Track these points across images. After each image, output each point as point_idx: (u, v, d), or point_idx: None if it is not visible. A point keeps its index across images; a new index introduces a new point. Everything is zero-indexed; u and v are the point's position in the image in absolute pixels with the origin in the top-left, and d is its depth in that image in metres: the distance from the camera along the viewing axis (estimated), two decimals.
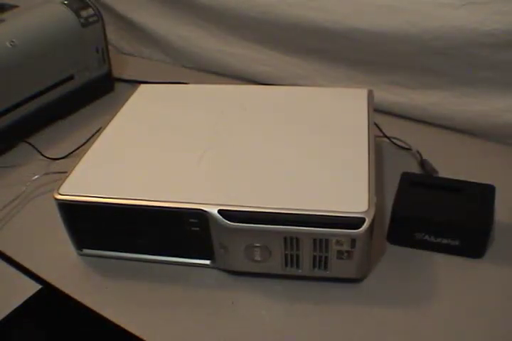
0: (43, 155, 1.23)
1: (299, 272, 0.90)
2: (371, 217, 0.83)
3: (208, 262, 0.95)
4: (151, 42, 1.68)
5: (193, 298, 0.91)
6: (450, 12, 1.17)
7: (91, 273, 0.97)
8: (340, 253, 0.86)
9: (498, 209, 1.00)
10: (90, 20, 1.39)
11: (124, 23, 1.70)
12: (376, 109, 1.17)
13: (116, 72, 1.56)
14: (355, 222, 0.82)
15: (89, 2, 1.40)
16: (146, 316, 0.89)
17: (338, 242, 0.84)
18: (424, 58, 1.25)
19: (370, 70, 1.35)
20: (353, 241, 0.84)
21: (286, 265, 0.89)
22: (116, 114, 1.10)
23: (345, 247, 0.85)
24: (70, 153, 1.22)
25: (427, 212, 0.96)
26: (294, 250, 0.86)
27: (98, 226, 0.95)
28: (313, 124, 1.04)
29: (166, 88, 1.22)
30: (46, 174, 1.16)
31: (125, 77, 1.57)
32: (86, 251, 0.99)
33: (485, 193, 1.00)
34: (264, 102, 1.12)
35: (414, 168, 1.18)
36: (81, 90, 1.43)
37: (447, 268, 0.95)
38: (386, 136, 1.23)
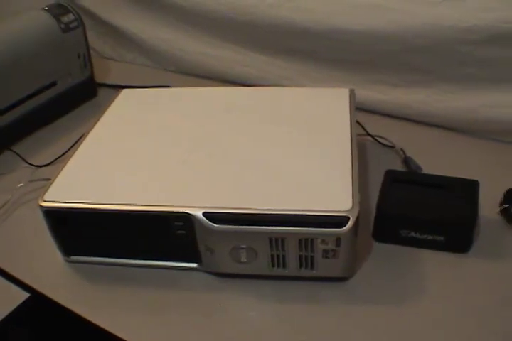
0: (27, 162, 1.23)
1: (286, 272, 0.90)
2: (355, 215, 0.83)
3: (194, 265, 0.95)
4: (133, 46, 1.68)
5: (181, 302, 0.91)
6: (431, 9, 1.18)
7: (79, 279, 0.97)
8: (325, 252, 0.86)
9: (482, 204, 1.00)
10: (71, 25, 1.39)
11: (105, 27, 1.70)
12: (360, 108, 1.18)
13: (99, 77, 1.56)
14: (339, 221, 0.83)
15: (69, 8, 1.40)
16: (135, 321, 0.89)
17: (323, 241, 0.84)
18: (407, 56, 1.26)
19: (353, 69, 1.35)
20: (338, 239, 0.84)
21: (272, 265, 0.89)
22: (99, 119, 1.10)
23: (331, 246, 0.85)
24: (54, 160, 1.22)
25: (412, 209, 0.96)
26: (279, 250, 0.87)
27: (84, 233, 0.94)
28: (295, 124, 1.04)
29: (148, 92, 1.22)
30: (31, 181, 1.15)
31: (108, 81, 1.57)
32: (73, 257, 0.99)
33: (469, 189, 1.00)
34: (246, 103, 1.12)
35: (399, 166, 1.18)
36: (64, 96, 1.42)
37: (434, 264, 0.96)
38: (370, 135, 1.23)
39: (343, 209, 0.83)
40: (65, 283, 0.97)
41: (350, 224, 0.82)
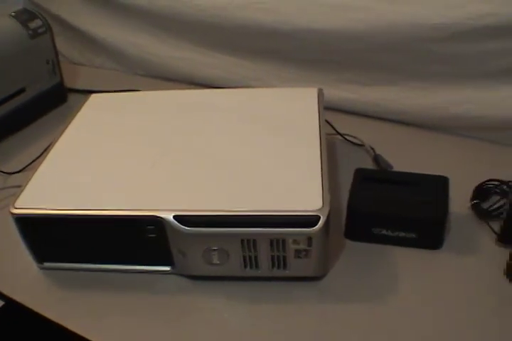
0: None
1: (259, 273, 0.90)
2: (326, 214, 0.83)
3: (167, 268, 0.95)
4: (101, 51, 1.67)
5: (155, 305, 0.91)
6: (396, 8, 1.19)
7: (53, 285, 0.97)
8: (297, 252, 0.86)
9: (453, 200, 1.01)
10: (39, 31, 1.38)
11: (73, 32, 1.69)
12: (329, 107, 1.18)
13: (69, 83, 1.55)
14: (310, 220, 0.83)
15: (36, 13, 1.39)
16: (110, 325, 0.89)
17: (294, 241, 0.85)
18: (373, 54, 1.27)
19: (320, 69, 1.36)
20: (309, 239, 0.84)
21: (245, 267, 0.90)
22: (68, 125, 1.09)
23: (302, 246, 0.85)
24: (25, 167, 1.21)
25: (383, 207, 0.97)
26: (251, 251, 0.87)
27: (56, 239, 0.94)
28: (264, 125, 1.05)
29: (117, 96, 1.22)
30: (2, 189, 1.15)
31: (78, 87, 1.56)
32: (47, 264, 0.98)
33: (439, 185, 1.01)
34: (215, 105, 1.12)
35: (369, 164, 1.19)
36: (33, 102, 1.41)
37: (407, 261, 0.96)
38: (339, 133, 1.24)
39: (313, 209, 0.84)
40: (39, 290, 0.96)
41: (321, 223, 0.83)
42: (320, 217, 0.83)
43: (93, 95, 1.21)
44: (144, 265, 0.96)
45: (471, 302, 0.89)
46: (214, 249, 0.87)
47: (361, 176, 1.03)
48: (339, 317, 0.88)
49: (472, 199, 1.07)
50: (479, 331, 0.85)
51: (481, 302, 0.89)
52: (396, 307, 0.89)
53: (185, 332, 0.87)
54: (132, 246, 0.93)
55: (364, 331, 0.85)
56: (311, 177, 0.90)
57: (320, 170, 0.91)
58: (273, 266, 0.89)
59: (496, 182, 1.09)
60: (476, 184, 1.09)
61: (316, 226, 0.83)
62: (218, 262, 0.89)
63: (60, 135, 1.06)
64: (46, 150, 1.04)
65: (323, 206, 0.84)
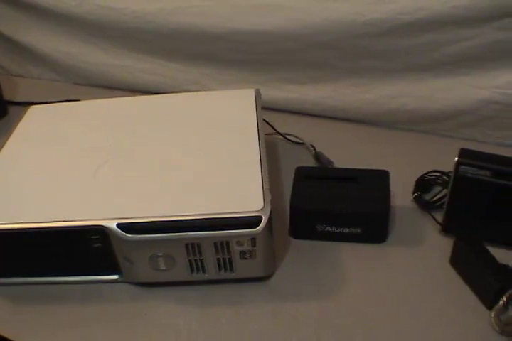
0: None
1: (206, 276, 0.91)
2: (267, 214, 0.84)
3: (115, 277, 0.95)
4: (39, 61, 1.65)
5: (106, 315, 0.91)
6: (328, 6, 1.20)
7: (3, 301, 0.95)
8: (242, 253, 0.87)
9: (396, 194, 1.03)
10: None
11: (10, 44, 1.67)
12: (268, 107, 1.19)
13: (8, 95, 1.53)
14: (252, 221, 0.84)
15: None
16: (62, 338, 0.88)
17: (238, 243, 0.85)
18: (310, 53, 1.28)
19: (258, 69, 1.36)
20: (252, 240, 0.85)
21: (192, 271, 0.90)
22: (8, 138, 1.08)
23: (247, 247, 0.86)
24: None
25: (325, 204, 0.98)
26: (197, 255, 0.87)
27: (1, 254, 0.93)
28: (203, 129, 1.05)
29: (56, 107, 1.21)
30: None
31: (17, 99, 1.54)
32: None
33: (380, 179, 1.02)
34: (155, 111, 1.13)
35: (310, 162, 1.20)
36: None
37: (353, 256, 0.98)
38: (279, 133, 1.24)
39: (255, 209, 0.84)
40: None
41: (263, 223, 0.84)
42: (262, 217, 0.84)
43: (32, 107, 1.20)
44: (92, 275, 0.95)
45: (418, 292, 0.91)
46: (160, 255, 0.87)
47: (302, 174, 1.04)
48: (288, 315, 0.89)
49: (414, 191, 1.08)
50: (424, 323, 0.86)
51: (428, 291, 0.91)
52: (344, 302, 0.90)
53: (136, 338, 0.87)
54: (79, 256, 0.92)
55: (312, 327, 0.86)
56: (251, 178, 0.91)
57: (260, 170, 0.92)
58: (220, 268, 0.90)
59: (437, 173, 1.11)
60: (418, 176, 1.10)
61: (259, 227, 0.83)
62: (165, 268, 0.89)
63: (1, 148, 1.05)
64: None
65: (264, 206, 0.85)
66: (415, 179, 1.10)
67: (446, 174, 1.08)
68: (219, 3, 1.28)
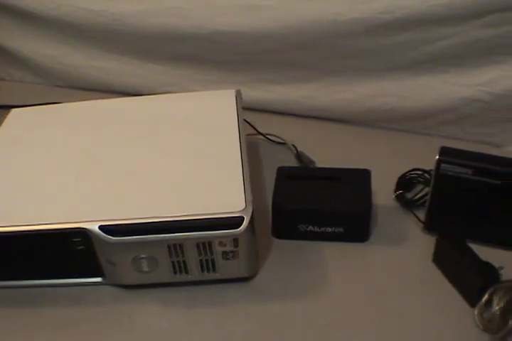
0: None
1: (189, 277, 0.91)
2: (249, 214, 0.84)
3: (99, 279, 0.94)
4: (20, 64, 1.64)
5: (90, 317, 0.91)
6: (307, 5, 1.20)
7: None
8: (225, 254, 0.87)
9: (378, 193, 1.03)
10: None
11: None
12: (249, 107, 1.19)
13: None
14: (234, 222, 0.84)
15: None
16: (46, 340, 0.88)
17: (221, 243, 0.85)
18: (289, 53, 1.28)
19: (238, 70, 1.36)
20: (235, 240, 0.85)
21: (175, 272, 0.90)
22: None
23: (229, 247, 0.86)
24: None
25: (307, 203, 0.98)
26: (179, 257, 0.87)
27: None
28: (184, 130, 1.05)
29: (37, 110, 1.20)
30: None
31: None
32: None
33: (361, 178, 1.02)
34: (135, 113, 1.12)
35: (292, 162, 1.20)
36: None
37: (335, 256, 0.98)
38: (260, 133, 1.24)
39: (236, 210, 0.84)
40: None
41: (245, 223, 0.84)
42: (244, 218, 0.84)
43: (13, 110, 1.19)
44: (75, 278, 0.95)
45: (402, 290, 0.91)
46: (142, 257, 0.87)
47: (284, 174, 1.04)
48: (272, 315, 0.89)
49: (396, 190, 1.09)
50: (412, 318, 0.87)
51: (411, 289, 0.91)
52: (328, 301, 0.90)
53: None
54: (62, 259, 0.92)
55: (296, 327, 0.87)
56: (232, 178, 0.91)
57: (241, 171, 0.92)
58: (203, 269, 0.89)
59: (419, 172, 1.11)
60: (399, 175, 1.11)
61: (241, 227, 0.84)
62: (148, 269, 0.89)
63: None
64: None
65: (246, 206, 0.85)
66: (397, 177, 1.10)
67: (428, 172, 1.08)
68: (198, 4, 1.28)
